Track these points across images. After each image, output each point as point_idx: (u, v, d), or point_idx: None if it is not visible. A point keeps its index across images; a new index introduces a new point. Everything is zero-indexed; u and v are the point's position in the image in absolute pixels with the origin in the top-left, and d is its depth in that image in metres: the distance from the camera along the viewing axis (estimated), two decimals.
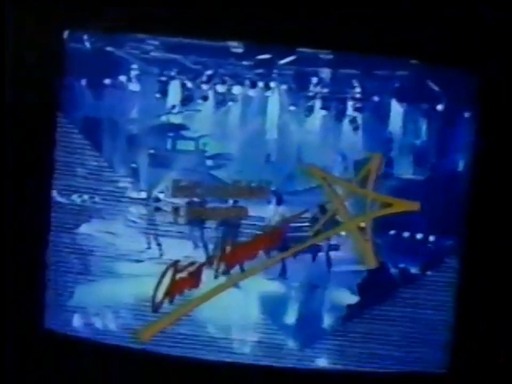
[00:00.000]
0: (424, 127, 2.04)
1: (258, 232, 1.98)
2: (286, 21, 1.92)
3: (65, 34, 1.97)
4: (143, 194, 2.05)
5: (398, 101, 2.03)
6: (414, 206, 1.95)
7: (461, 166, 2.01)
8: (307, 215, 1.98)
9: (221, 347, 2.03)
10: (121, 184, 2.04)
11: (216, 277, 1.99)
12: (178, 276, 1.97)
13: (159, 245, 2.03)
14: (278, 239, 1.98)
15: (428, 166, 2.03)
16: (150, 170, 2.05)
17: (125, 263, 2.03)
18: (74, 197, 2.04)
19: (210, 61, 2.04)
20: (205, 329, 2.03)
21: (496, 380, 2.02)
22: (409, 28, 1.91)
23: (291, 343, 2.05)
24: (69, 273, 2.05)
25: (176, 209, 1.99)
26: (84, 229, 2.05)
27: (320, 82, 2.05)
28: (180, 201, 1.99)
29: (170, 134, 2.11)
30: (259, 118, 2.07)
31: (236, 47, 2.00)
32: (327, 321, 2.05)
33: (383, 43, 1.91)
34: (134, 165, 2.06)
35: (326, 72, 2.04)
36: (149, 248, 2.04)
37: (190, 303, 1.98)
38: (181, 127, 2.11)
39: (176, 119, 2.10)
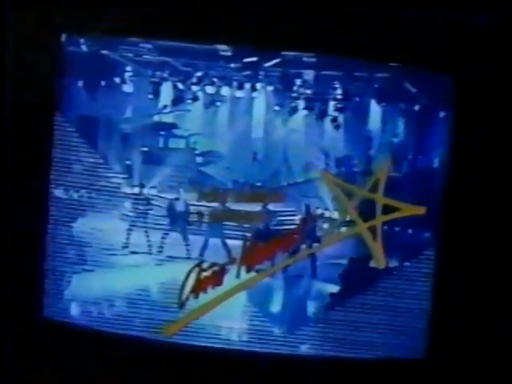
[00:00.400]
0: (402, 126, 2.10)
1: (276, 234, 2.04)
2: (272, 25, 1.97)
3: (63, 37, 2.01)
4: (136, 190, 2.09)
5: (378, 102, 2.09)
6: (420, 210, 2.02)
7: (436, 162, 2.06)
8: (320, 218, 2.05)
9: (210, 333, 2.09)
10: (115, 180, 2.09)
11: (237, 276, 2.05)
12: (203, 274, 2.04)
13: (161, 241, 2.08)
14: (295, 241, 2.04)
15: (405, 163, 2.07)
16: (143, 167, 2.10)
17: (119, 255, 2.09)
18: (72, 192, 2.08)
19: (200, 63, 2.10)
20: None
21: (472, 366, 2.07)
22: (388, 32, 1.96)
23: (276, 330, 2.10)
24: (67, 264, 2.09)
25: (200, 213, 2.04)
26: (81, 222, 2.09)
27: (304, 83, 2.11)
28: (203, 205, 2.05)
29: (162, 133, 2.16)
30: (246, 117, 2.13)
31: (225, 50, 2.05)
32: (311, 309, 2.10)
33: (363, 47, 1.97)
34: (128, 162, 2.10)
35: (309, 74, 2.10)
36: (142, 241, 2.10)
37: (214, 300, 2.04)
38: (172, 126, 2.16)
39: (167, 119, 2.15)
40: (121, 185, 2.09)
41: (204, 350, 2.08)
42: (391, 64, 2.02)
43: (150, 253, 2.09)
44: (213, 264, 2.05)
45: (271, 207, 2.04)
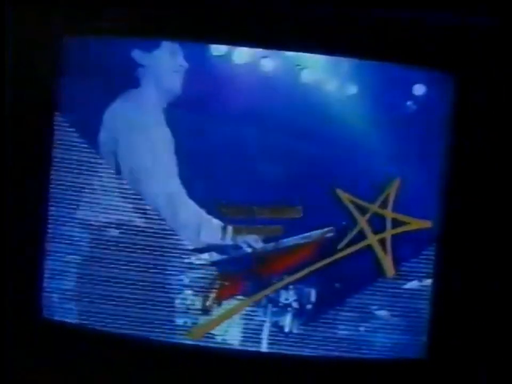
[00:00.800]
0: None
1: (294, 248, 2.12)
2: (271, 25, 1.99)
3: (63, 37, 2.01)
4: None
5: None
6: (426, 224, 2.12)
7: (436, 167, 2.11)
8: (335, 231, 2.12)
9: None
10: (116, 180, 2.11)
11: (257, 285, 2.13)
12: (225, 283, 2.12)
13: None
14: (313, 253, 2.12)
15: (411, 173, 2.13)
16: None
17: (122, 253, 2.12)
18: (72, 192, 2.09)
19: None
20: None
21: (472, 366, 2.12)
22: (389, 32, 1.99)
23: (276, 330, 2.15)
24: (67, 264, 2.11)
25: (224, 228, 2.10)
26: (81, 220, 2.11)
27: None
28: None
29: None
30: None
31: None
32: (311, 309, 2.15)
33: (363, 47, 2.00)
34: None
35: None
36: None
37: (237, 306, 2.14)
38: None
39: None
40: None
41: (203, 350, 2.12)
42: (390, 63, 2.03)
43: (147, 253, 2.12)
44: (233, 274, 2.13)
45: (289, 221, 2.10)
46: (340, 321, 2.14)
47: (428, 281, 2.12)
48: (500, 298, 2.08)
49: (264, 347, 2.15)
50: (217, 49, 2.03)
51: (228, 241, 2.11)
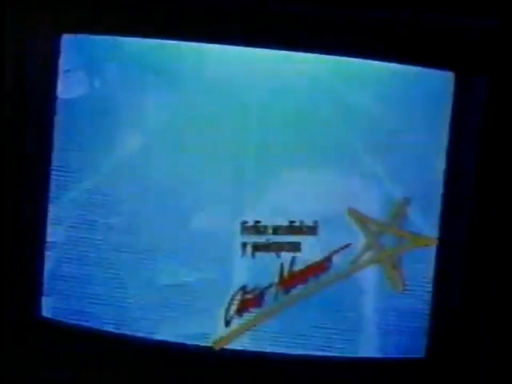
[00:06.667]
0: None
1: (309, 263, 2.20)
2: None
3: (63, 37, 2.03)
4: None
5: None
6: (433, 242, 2.18)
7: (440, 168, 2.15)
8: (347, 248, 2.20)
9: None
10: None
11: (276, 299, 2.21)
12: (246, 296, 2.21)
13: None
14: (325, 269, 2.19)
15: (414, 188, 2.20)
16: None
17: (121, 254, 2.15)
18: (72, 192, 2.12)
19: None
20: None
21: (472, 366, 2.13)
22: (388, 31, 2.00)
23: (278, 330, 2.22)
24: (67, 264, 2.14)
25: (244, 245, 2.18)
26: (80, 219, 2.13)
27: None
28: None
29: None
30: None
31: None
32: (310, 309, 2.20)
33: (363, 46, 2.00)
34: None
35: None
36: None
37: (255, 319, 2.23)
38: None
39: None
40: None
41: (202, 350, 2.17)
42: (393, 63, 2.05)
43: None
44: (255, 288, 2.22)
45: (307, 239, 2.18)
46: (338, 321, 2.18)
47: (428, 281, 2.15)
48: (500, 298, 2.08)
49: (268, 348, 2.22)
50: (217, 50, 2.05)
51: (248, 258, 2.19)
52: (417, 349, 2.17)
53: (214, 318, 2.20)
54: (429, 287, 2.16)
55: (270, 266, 2.20)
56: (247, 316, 2.23)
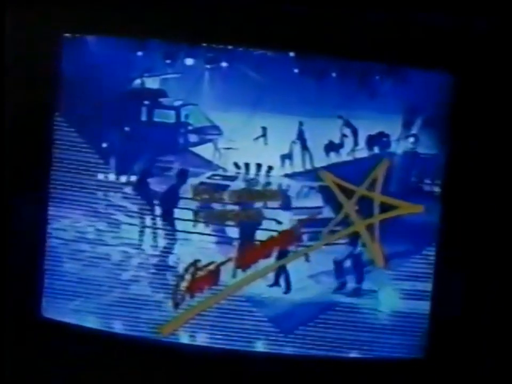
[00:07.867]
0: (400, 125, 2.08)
1: (273, 234, 2.01)
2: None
3: (63, 37, 2.01)
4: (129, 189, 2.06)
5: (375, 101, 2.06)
6: (418, 208, 2.02)
7: (435, 159, 2.06)
8: (319, 216, 2.02)
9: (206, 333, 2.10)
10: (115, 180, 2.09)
11: (233, 275, 2.02)
12: (199, 274, 2.03)
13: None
14: (292, 240, 2.02)
15: (403, 160, 2.07)
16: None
17: (120, 252, 2.09)
18: (72, 192, 2.08)
19: None
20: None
21: (472, 366, 2.11)
22: (388, 32, 1.98)
23: (275, 330, 2.10)
24: (67, 264, 2.10)
25: (196, 212, 2.00)
26: (80, 219, 2.10)
27: None
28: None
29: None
30: None
31: None
32: (309, 309, 2.10)
33: (362, 47, 1.98)
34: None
35: None
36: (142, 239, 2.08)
37: (209, 299, 2.04)
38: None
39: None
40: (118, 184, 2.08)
41: (202, 350, 2.10)
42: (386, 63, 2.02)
43: (143, 251, 2.07)
44: (208, 264, 2.04)
45: (268, 205, 2.01)
46: (337, 321, 2.10)
47: (428, 281, 2.09)
48: (500, 299, 2.09)
49: (259, 347, 2.09)
50: (217, 50, 2.02)
51: (202, 227, 2.00)
52: (417, 349, 2.09)
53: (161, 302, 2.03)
54: (429, 287, 2.08)
55: (227, 238, 2.00)
56: (199, 297, 2.03)
